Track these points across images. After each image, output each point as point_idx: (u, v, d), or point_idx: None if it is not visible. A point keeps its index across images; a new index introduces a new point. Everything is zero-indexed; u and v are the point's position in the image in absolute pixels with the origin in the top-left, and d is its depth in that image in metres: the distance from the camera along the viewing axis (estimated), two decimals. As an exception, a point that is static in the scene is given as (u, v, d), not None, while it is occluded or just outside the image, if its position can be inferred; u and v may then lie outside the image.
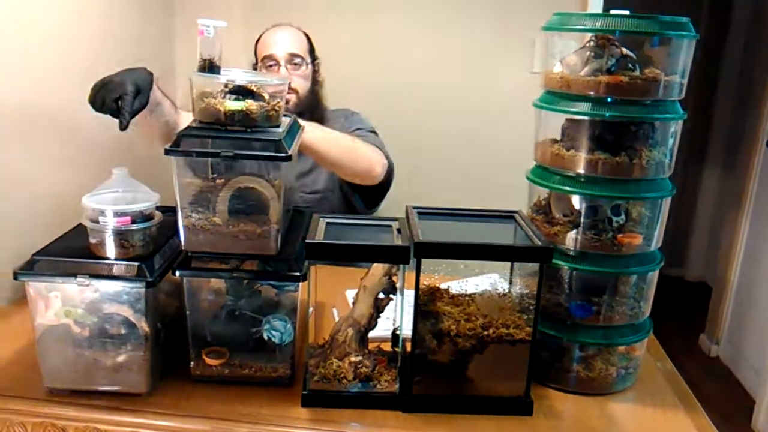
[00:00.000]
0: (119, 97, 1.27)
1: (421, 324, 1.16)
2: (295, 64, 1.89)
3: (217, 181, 1.16)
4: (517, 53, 2.24)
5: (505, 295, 1.28)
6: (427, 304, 1.19)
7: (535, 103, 1.28)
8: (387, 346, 1.26)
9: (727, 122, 3.97)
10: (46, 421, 1.15)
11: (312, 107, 1.92)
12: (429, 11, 2.31)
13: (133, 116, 1.28)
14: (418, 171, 2.34)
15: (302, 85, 1.90)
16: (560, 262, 1.23)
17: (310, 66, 1.93)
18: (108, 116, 1.30)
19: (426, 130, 2.34)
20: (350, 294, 1.56)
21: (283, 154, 1.10)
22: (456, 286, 1.28)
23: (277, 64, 1.87)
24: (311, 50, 1.96)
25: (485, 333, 1.16)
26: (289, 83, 1.76)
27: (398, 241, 1.15)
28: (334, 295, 1.51)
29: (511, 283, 1.33)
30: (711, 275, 3.87)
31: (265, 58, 1.88)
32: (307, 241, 1.10)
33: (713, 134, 4.08)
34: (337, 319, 1.47)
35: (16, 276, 1.09)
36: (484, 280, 1.38)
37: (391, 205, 2.38)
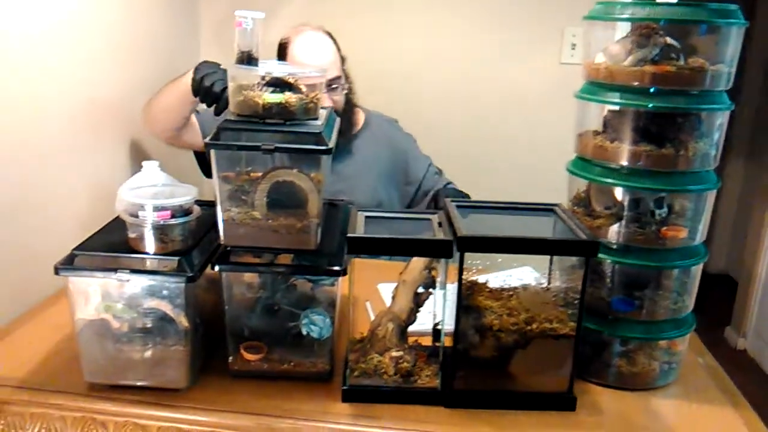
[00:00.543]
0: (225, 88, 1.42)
1: (464, 319, 1.14)
2: (333, 88, 1.85)
3: (253, 174, 1.15)
4: (544, 44, 2.21)
5: (547, 289, 1.26)
6: (469, 298, 1.17)
7: (578, 95, 1.25)
8: (424, 341, 1.24)
9: (753, 110, 3.91)
10: (86, 415, 1.14)
11: (347, 113, 1.90)
12: (452, 2, 2.27)
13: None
14: (445, 165, 2.32)
15: (339, 102, 1.88)
16: (603, 256, 1.21)
17: (345, 84, 1.90)
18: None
19: (451, 125, 2.31)
20: (383, 288, 1.54)
21: (323, 147, 1.08)
22: (493, 280, 1.26)
23: None
24: (342, 60, 1.91)
25: (528, 328, 1.14)
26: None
27: (440, 235, 1.13)
28: (365, 288, 1.49)
29: (550, 276, 1.31)
30: (735, 267, 3.83)
31: None
32: (348, 235, 1.09)
33: (738, 123, 4.02)
34: (370, 313, 1.46)
35: (57, 271, 1.08)
36: (517, 274, 1.36)
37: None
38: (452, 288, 1.14)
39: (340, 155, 1.89)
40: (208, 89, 1.46)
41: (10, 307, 1.39)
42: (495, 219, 1.26)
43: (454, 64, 2.25)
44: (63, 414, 1.15)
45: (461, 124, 2.30)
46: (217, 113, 1.46)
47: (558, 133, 2.23)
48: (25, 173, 1.41)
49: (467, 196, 1.91)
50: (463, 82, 2.27)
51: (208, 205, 1.21)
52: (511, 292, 1.24)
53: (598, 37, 1.26)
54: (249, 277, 1.22)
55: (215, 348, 1.25)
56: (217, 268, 1.13)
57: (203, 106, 1.55)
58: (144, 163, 1.61)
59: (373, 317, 1.43)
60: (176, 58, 2.15)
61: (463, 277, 1.17)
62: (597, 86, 1.23)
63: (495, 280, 1.26)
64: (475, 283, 1.21)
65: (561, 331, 1.14)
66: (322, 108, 1.22)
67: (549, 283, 1.30)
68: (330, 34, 1.89)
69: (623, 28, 1.23)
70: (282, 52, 1.88)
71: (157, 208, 1.08)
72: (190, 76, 1.52)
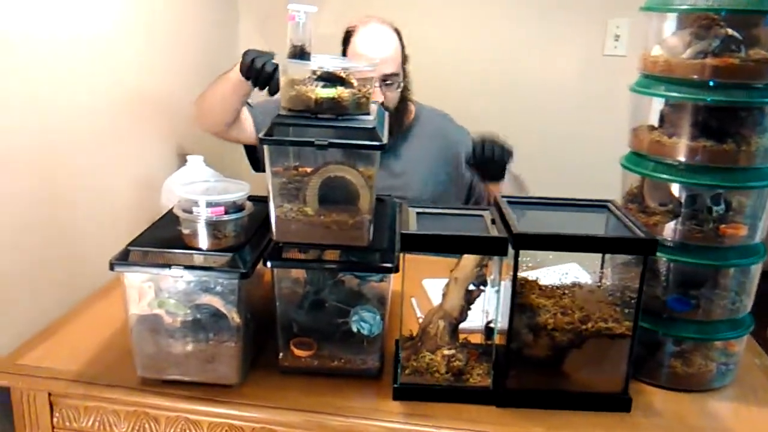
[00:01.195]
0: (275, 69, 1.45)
1: (518, 317, 1.12)
2: (388, 84, 1.82)
3: (301, 169, 1.14)
4: (587, 35, 2.17)
5: (599, 287, 1.24)
6: (522, 296, 1.15)
7: (633, 88, 1.23)
8: (474, 338, 1.23)
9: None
10: (139, 410, 1.15)
11: (399, 111, 1.89)
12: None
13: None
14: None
15: (392, 99, 1.85)
16: (658, 254, 1.18)
17: (402, 82, 1.87)
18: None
19: (489, 118, 2.27)
20: (428, 283, 1.53)
21: (377, 143, 1.07)
22: (543, 277, 1.24)
23: None
24: (404, 58, 1.88)
25: (584, 327, 1.12)
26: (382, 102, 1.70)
27: (494, 232, 1.11)
28: (409, 284, 1.47)
29: (602, 274, 1.28)
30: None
31: None
32: (402, 231, 1.08)
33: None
34: (416, 310, 1.45)
35: (112, 266, 1.08)
36: (563, 270, 1.33)
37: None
38: (504, 285, 1.12)
39: (390, 151, 1.87)
40: (260, 70, 1.46)
41: (62, 301, 1.40)
42: (547, 216, 1.24)
43: (492, 56, 2.22)
44: (116, 408, 1.16)
45: (499, 117, 2.25)
46: (272, 93, 1.48)
47: (600, 126, 2.21)
48: (72, 166, 1.42)
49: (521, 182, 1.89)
50: (502, 74, 2.24)
51: (259, 201, 1.20)
52: (563, 290, 1.22)
53: (653, 29, 1.23)
54: (297, 272, 1.22)
55: (264, 344, 1.26)
56: (269, 264, 1.12)
57: (256, 98, 1.54)
58: (189, 158, 1.62)
59: (419, 314, 1.42)
60: (217, 52, 2.15)
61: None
62: (653, 79, 1.19)
63: (545, 277, 1.25)
64: (526, 281, 1.20)
65: (617, 330, 1.12)
66: (372, 102, 1.21)
67: (600, 281, 1.27)
68: (397, 31, 1.86)
69: (679, 20, 1.20)
70: (346, 41, 1.87)
71: (210, 204, 1.08)
72: (239, 64, 1.52)
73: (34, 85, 1.29)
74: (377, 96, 1.73)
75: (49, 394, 1.17)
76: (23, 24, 1.24)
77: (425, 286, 1.53)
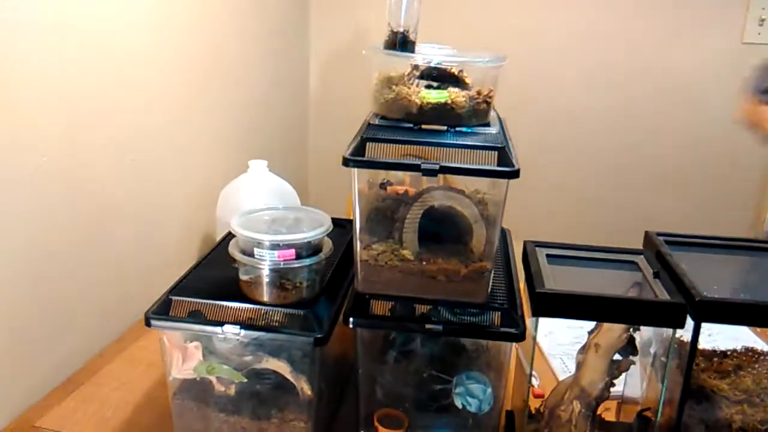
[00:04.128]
0: None
1: (689, 409, 0.82)
2: None
3: (387, 188, 0.86)
4: (722, 20, 1.79)
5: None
6: (695, 378, 0.84)
7: None
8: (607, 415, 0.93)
9: None
10: (182, 498, 0.90)
11: None
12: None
13: None
14: (590, 163, 1.97)
15: None
16: None
17: None
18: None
19: (599, 118, 1.93)
20: (544, 341, 1.23)
21: (509, 169, 0.77)
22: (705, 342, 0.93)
23: None
24: None
25: (785, 428, 0.81)
26: None
27: (663, 294, 0.80)
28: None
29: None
30: None
31: None
32: (538, 291, 0.78)
33: None
34: (525, 366, 1.16)
35: (148, 321, 0.83)
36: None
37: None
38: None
39: None
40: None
41: (96, 336, 1.16)
42: (728, 265, 0.93)
43: (606, 46, 1.87)
44: (153, 493, 0.91)
45: (613, 117, 1.92)
46: None
47: (736, 130, 1.84)
48: (112, 175, 1.17)
49: None
50: (617, 68, 1.88)
51: (336, 225, 0.93)
52: (737, 362, 0.91)
53: None
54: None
55: (336, 415, 0.99)
56: (351, 323, 0.85)
57: None
58: (250, 162, 1.36)
59: (529, 371, 1.13)
60: (282, 43, 1.88)
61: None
62: None
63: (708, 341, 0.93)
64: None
65: (832, 433, 0.80)
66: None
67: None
68: None
69: None
70: None
71: (278, 246, 0.81)
72: None
73: (71, 81, 1.03)
74: None
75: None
76: (73, 15, 0.99)
77: (540, 344, 1.23)
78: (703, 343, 0.90)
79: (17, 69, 0.93)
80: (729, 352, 0.92)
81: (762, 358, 0.92)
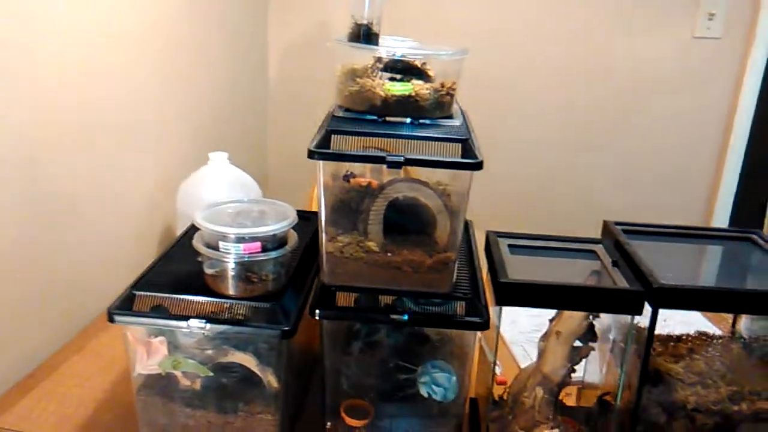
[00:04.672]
0: None
1: (647, 392, 0.85)
2: None
3: (351, 180, 0.86)
4: (673, 14, 1.83)
5: (741, 342, 0.95)
6: (652, 362, 0.87)
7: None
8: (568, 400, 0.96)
9: None
10: (147, 495, 0.89)
11: None
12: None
13: None
14: (551, 157, 2.00)
15: None
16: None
17: None
18: None
19: (559, 112, 1.96)
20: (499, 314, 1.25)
21: (472, 160, 0.78)
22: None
23: None
24: None
25: (736, 408, 0.84)
26: None
27: (622, 282, 0.83)
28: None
29: (734, 325, 1.00)
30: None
31: None
32: (501, 280, 0.80)
33: None
34: (488, 354, 1.18)
35: (111, 317, 0.81)
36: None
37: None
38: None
39: None
40: None
41: (56, 332, 1.14)
42: (683, 253, 0.96)
43: (563, 40, 1.90)
44: (118, 491, 0.90)
45: (571, 109, 1.96)
46: None
47: (687, 122, 1.90)
48: (70, 167, 1.14)
49: None
50: (574, 62, 1.91)
51: (301, 218, 0.92)
52: (688, 345, 0.94)
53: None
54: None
55: (302, 407, 0.99)
56: (317, 314, 0.85)
57: None
58: (211, 155, 1.34)
59: (491, 359, 1.15)
60: (244, 39, 1.86)
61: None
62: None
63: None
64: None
65: (779, 412, 0.84)
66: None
67: (734, 330, 0.99)
68: None
69: None
70: None
71: (243, 239, 0.80)
72: None
73: (29, 73, 1.00)
74: None
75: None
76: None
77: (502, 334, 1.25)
78: (659, 329, 0.93)
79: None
80: (683, 337, 0.95)
81: (713, 341, 0.95)
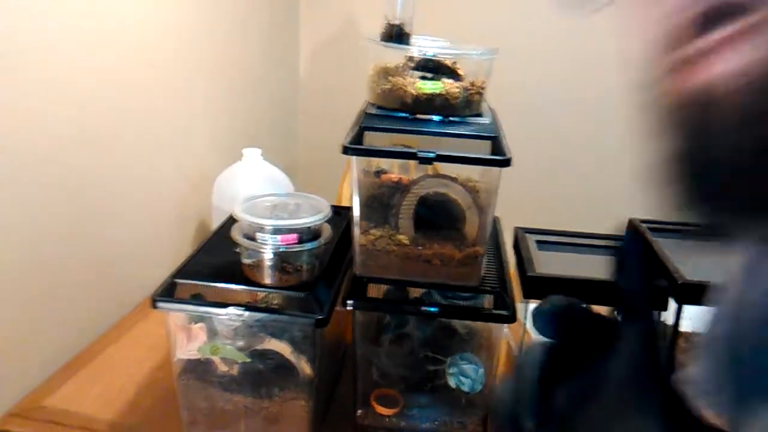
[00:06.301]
0: None
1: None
2: None
3: (382, 176, 0.89)
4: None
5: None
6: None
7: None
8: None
9: None
10: (185, 474, 0.94)
11: None
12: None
13: None
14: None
15: None
16: None
17: None
18: None
19: (592, 110, 1.98)
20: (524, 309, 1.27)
21: (502, 157, 0.81)
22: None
23: None
24: None
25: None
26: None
27: (646, 276, 0.85)
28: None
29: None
30: None
31: None
32: (528, 274, 0.82)
33: None
34: (513, 348, 1.20)
35: (154, 303, 0.86)
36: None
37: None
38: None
39: None
40: None
41: (96, 320, 1.19)
42: (709, 250, 0.97)
43: (596, 38, 1.91)
44: (158, 470, 0.94)
45: (602, 108, 1.97)
46: None
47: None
48: (106, 162, 1.19)
49: None
50: (609, 61, 1.93)
51: (336, 213, 0.96)
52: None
53: None
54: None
55: (333, 394, 1.03)
56: (349, 305, 0.88)
57: None
58: (244, 151, 1.38)
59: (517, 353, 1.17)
60: (277, 33, 1.90)
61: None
62: None
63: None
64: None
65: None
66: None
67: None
68: None
69: None
70: None
71: (280, 231, 0.84)
72: None
73: (63, 76, 1.05)
74: None
75: (79, 448, 0.96)
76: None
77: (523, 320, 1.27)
78: (683, 326, 0.95)
79: (17, 68, 0.95)
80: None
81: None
